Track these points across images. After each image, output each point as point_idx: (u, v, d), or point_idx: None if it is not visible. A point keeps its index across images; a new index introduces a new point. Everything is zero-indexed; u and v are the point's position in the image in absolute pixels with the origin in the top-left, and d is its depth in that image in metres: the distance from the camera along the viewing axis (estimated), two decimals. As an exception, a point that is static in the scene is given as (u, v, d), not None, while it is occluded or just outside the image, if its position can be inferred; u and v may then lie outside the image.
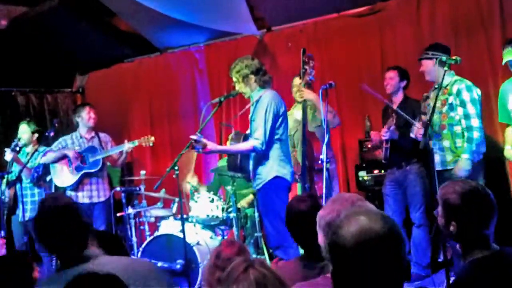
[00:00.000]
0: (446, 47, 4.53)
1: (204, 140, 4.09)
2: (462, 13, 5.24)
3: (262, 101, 4.14)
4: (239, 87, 4.31)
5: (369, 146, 5.20)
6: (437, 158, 4.38)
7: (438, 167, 4.36)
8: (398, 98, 4.88)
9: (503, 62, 4.24)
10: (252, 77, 4.23)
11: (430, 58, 4.43)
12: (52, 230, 2.10)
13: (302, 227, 2.43)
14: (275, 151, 4.16)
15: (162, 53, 7.33)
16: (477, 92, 4.32)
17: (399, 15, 5.66)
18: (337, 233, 1.42)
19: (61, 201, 2.18)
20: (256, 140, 4.09)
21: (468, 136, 4.23)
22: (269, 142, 4.13)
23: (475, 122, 4.23)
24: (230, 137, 5.68)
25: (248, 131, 4.40)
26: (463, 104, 4.26)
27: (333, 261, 1.42)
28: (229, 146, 4.29)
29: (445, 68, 4.08)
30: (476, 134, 4.22)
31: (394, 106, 4.80)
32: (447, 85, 4.35)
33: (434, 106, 3.98)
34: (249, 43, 6.50)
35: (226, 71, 6.59)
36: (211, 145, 4.18)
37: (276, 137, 4.17)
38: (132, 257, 2.21)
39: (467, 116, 4.25)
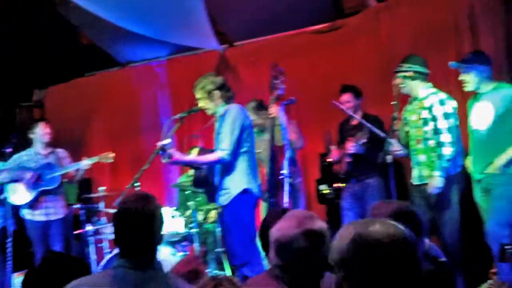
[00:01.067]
0: (421, 59, 4.54)
1: (171, 150, 4.06)
2: (420, 31, 5.38)
3: (229, 114, 4.14)
4: (204, 103, 4.30)
5: (328, 160, 5.24)
6: (414, 172, 4.46)
7: (415, 182, 4.45)
8: (358, 116, 4.96)
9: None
10: (217, 92, 4.23)
11: (406, 71, 4.45)
12: (136, 230, 2.14)
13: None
14: (242, 164, 4.15)
15: (123, 67, 7.26)
16: (451, 105, 4.30)
17: (359, 32, 5.79)
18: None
19: (150, 201, 2.22)
20: (222, 151, 4.06)
21: (438, 153, 4.23)
22: (236, 155, 4.11)
23: (446, 138, 4.19)
24: (192, 151, 5.67)
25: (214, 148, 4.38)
26: (434, 119, 4.29)
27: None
28: (196, 157, 4.22)
29: (420, 82, 4.15)
30: (447, 150, 4.19)
31: (354, 123, 4.89)
32: (421, 99, 4.39)
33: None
34: (211, 58, 6.51)
35: (188, 86, 6.57)
36: (178, 155, 4.14)
37: (243, 150, 4.16)
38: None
39: (437, 131, 4.25)
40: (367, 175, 4.84)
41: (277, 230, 1.99)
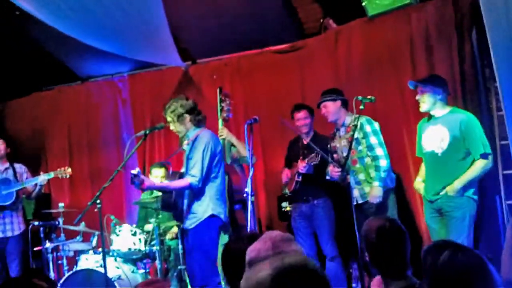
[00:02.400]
0: (341, 91, 4.94)
1: (142, 176, 4.09)
2: (375, 52, 5.56)
3: (200, 140, 4.18)
4: (174, 126, 4.34)
5: (282, 182, 5.31)
6: (356, 192, 4.61)
7: (359, 200, 4.61)
8: (309, 134, 5.09)
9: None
10: (187, 116, 4.27)
11: (334, 100, 4.77)
12: None
13: (236, 267, 2.43)
14: (212, 190, 4.20)
15: (83, 81, 7.18)
16: (377, 124, 4.69)
17: (318, 53, 5.94)
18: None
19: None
20: (193, 177, 4.11)
21: (375, 165, 4.54)
22: (205, 180, 4.16)
23: (380, 151, 4.57)
24: (152, 170, 5.67)
25: (183, 169, 4.41)
26: (365, 135, 4.57)
27: None
28: (166, 182, 4.26)
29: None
30: (383, 162, 4.54)
31: (305, 142, 5.01)
32: (349, 124, 4.66)
33: (351, 144, 4.21)
34: (174, 74, 6.54)
35: (151, 101, 6.63)
36: (149, 182, 4.20)
37: (213, 175, 4.22)
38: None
39: (370, 147, 4.60)
40: (315, 196, 4.96)
41: (251, 251, 1.98)
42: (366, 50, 5.63)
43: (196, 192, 4.18)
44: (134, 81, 6.89)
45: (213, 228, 4.16)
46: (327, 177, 4.74)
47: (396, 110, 5.32)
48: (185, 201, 4.28)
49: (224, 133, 4.63)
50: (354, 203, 4.50)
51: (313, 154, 4.68)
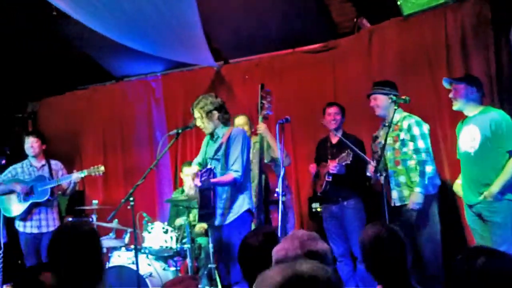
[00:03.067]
0: (395, 84, 4.73)
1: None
2: (410, 53, 5.49)
3: (237, 137, 4.25)
4: (202, 122, 4.36)
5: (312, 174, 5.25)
6: (394, 194, 4.53)
7: (396, 203, 4.53)
8: (339, 133, 5.03)
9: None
10: (216, 113, 4.31)
11: (386, 94, 4.59)
12: (67, 259, 2.02)
13: (252, 262, 2.44)
14: (247, 185, 4.29)
15: (117, 81, 7.30)
16: (427, 127, 4.52)
17: (351, 53, 5.89)
18: None
19: (80, 229, 2.07)
20: (236, 172, 4.17)
21: (420, 170, 4.38)
22: (244, 177, 4.23)
23: (427, 156, 4.41)
24: (183, 168, 5.72)
25: (210, 166, 4.44)
26: (413, 138, 4.44)
27: None
28: (217, 179, 4.22)
29: (395, 107, 4.26)
30: (428, 168, 4.38)
31: (334, 142, 4.96)
32: (397, 122, 4.53)
33: (385, 143, 4.13)
34: (206, 74, 6.59)
35: (183, 101, 6.69)
36: (197, 181, 4.21)
37: (248, 172, 4.30)
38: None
39: (417, 151, 4.43)
40: (345, 197, 4.89)
41: (279, 251, 2.01)
42: (400, 50, 5.56)
43: (235, 188, 4.23)
44: (167, 81, 6.97)
45: (248, 222, 4.24)
46: (367, 173, 4.65)
47: (431, 111, 5.23)
48: (218, 199, 4.29)
49: (262, 128, 4.62)
50: (392, 205, 4.48)
51: (343, 154, 4.61)
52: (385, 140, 4.20)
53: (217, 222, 4.30)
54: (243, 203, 4.23)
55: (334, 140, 5.05)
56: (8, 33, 6.28)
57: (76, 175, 5.47)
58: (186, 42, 5.96)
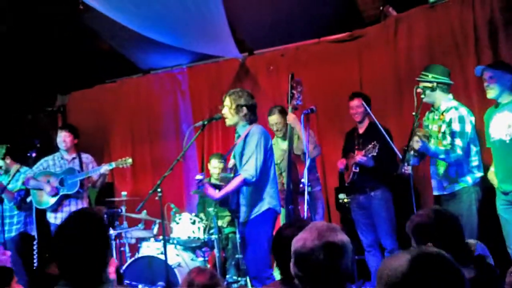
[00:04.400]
0: (446, 69, 4.55)
1: (207, 185, 4.27)
2: (438, 42, 5.40)
3: (252, 135, 4.21)
4: (228, 112, 4.33)
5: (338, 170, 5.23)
6: (434, 183, 4.50)
7: (435, 192, 4.49)
8: (364, 124, 4.99)
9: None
10: (245, 110, 4.28)
11: (429, 81, 4.44)
12: (71, 246, 1.97)
13: (285, 253, 2.47)
14: (267, 183, 4.24)
15: (144, 74, 7.37)
16: (470, 121, 4.35)
17: (377, 41, 5.82)
18: None
19: (88, 216, 2.06)
20: (245, 172, 4.14)
21: (450, 156, 4.27)
22: (261, 175, 4.18)
23: (459, 154, 4.28)
24: (211, 160, 5.76)
25: (230, 164, 4.46)
26: (452, 135, 4.31)
27: None
28: (225, 189, 4.26)
29: (422, 96, 4.17)
30: (456, 154, 4.27)
31: (361, 132, 4.93)
32: (443, 112, 4.41)
33: (412, 133, 4.08)
34: (231, 66, 6.60)
35: (208, 93, 6.73)
36: (211, 192, 4.29)
37: (267, 169, 4.24)
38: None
39: (453, 147, 4.30)
40: (372, 188, 4.86)
41: (298, 241, 2.00)
42: (428, 38, 5.47)
43: (252, 187, 4.22)
44: (192, 73, 7.01)
45: (268, 221, 4.20)
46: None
47: (460, 99, 5.13)
48: (241, 196, 4.32)
49: (290, 119, 4.61)
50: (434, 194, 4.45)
51: (370, 146, 4.57)
52: (413, 128, 4.13)
53: (241, 219, 4.34)
54: (263, 202, 4.20)
55: (361, 130, 5.02)
56: (37, 27, 6.40)
57: (105, 167, 5.54)
58: (211, 34, 5.98)
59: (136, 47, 6.77)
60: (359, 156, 4.71)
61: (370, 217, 4.91)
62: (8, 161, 5.83)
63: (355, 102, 4.97)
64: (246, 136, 4.24)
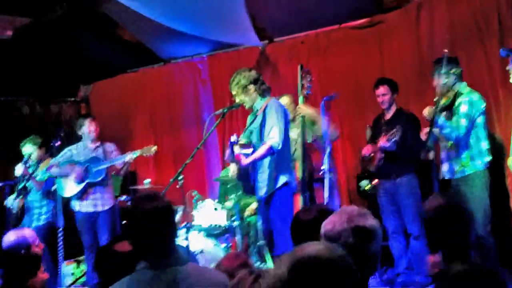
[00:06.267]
0: (456, 58, 4.57)
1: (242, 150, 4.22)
2: (460, 25, 5.31)
3: (271, 107, 4.24)
4: (240, 98, 4.38)
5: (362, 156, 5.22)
6: (445, 167, 4.49)
7: (446, 176, 4.49)
8: (391, 110, 4.96)
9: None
10: (251, 87, 4.32)
11: (449, 70, 4.40)
12: (148, 231, 2.10)
13: (303, 237, 2.48)
14: (284, 158, 4.27)
15: (165, 63, 7.42)
16: (480, 106, 4.34)
17: (398, 27, 5.76)
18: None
19: (156, 202, 2.15)
20: (272, 139, 4.13)
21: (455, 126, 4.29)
22: (282, 147, 4.18)
23: (461, 130, 4.30)
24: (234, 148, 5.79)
25: (243, 140, 4.49)
26: (459, 115, 4.31)
27: None
28: (253, 156, 4.25)
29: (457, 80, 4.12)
30: (461, 130, 4.27)
31: (387, 118, 4.91)
32: (456, 96, 4.38)
33: (433, 119, 4.05)
34: (251, 53, 6.60)
35: (229, 81, 6.72)
36: (242, 158, 4.25)
37: (286, 142, 4.26)
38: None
39: (457, 124, 4.31)
40: (398, 174, 4.83)
41: (327, 224, 2.01)
42: (450, 23, 5.39)
43: (270, 161, 4.23)
44: (213, 62, 7.03)
45: (287, 196, 4.22)
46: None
47: (483, 85, 5.06)
48: (257, 172, 4.33)
49: (301, 110, 4.63)
50: (441, 178, 4.44)
51: (393, 130, 4.57)
52: (433, 117, 4.11)
53: (258, 196, 4.36)
54: (279, 177, 4.20)
55: (388, 116, 5.00)
56: (59, 18, 6.48)
57: (130, 156, 5.57)
58: (230, 22, 5.99)
59: (157, 37, 6.81)
60: (382, 141, 4.71)
61: (396, 203, 4.89)
62: (41, 152, 5.93)
63: (381, 90, 4.94)
64: (265, 108, 4.26)
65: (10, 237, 3.47)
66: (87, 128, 5.75)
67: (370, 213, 2.06)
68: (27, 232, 3.59)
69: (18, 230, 3.60)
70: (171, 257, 2.12)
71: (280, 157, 4.23)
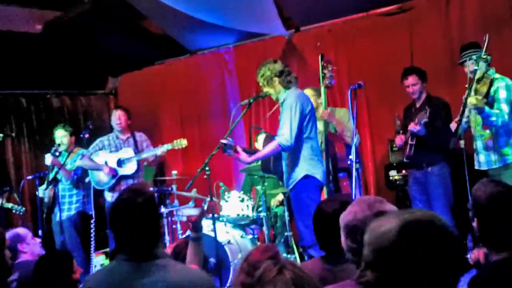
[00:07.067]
0: (475, 44, 4.47)
1: (238, 147, 4.20)
2: (491, 10, 5.18)
3: (287, 100, 4.19)
4: (266, 90, 4.38)
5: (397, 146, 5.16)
6: (482, 157, 4.38)
7: (483, 167, 4.38)
8: (421, 99, 4.86)
9: None
10: (276, 79, 4.28)
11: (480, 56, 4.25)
12: (126, 223, 2.12)
13: (325, 229, 2.46)
14: (305, 150, 4.18)
15: (192, 54, 7.44)
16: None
17: (428, 13, 5.63)
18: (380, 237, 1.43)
19: (142, 194, 2.16)
20: (280, 136, 4.11)
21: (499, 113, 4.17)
22: (298, 141, 4.14)
23: (506, 116, 4.19)
24: (258, 137, 5.78)
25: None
26: (497, 101, 4.20)
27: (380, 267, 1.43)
28: (257, 154, 4.28)
29: (476, 67, 4.02)
30: (505, 116, 4.16)
31: (417, 106, 4.82)
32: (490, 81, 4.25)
33: (464, 106, 3.94)
34: (277, 43, 6.55)
35: (255, 71, 6.69)
36: (243, 156, 4.23)
37: (305, 135, 4.19)
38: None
39: (500, 111, 4.19)
40: (429, 163, 4.73)
41: (348, 214, 2.00)
42: (481, 10, 5.25)
43: (290, 153, 4.19)
44: (239, 52, 7.01)
45: (310, 188, 4.14)
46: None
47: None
48: (284, 163, 4.30)
49: (325, 115, 4.57)
50: (476, 168, 4.33)
51: (422, 113, 4.49)
52: (465, 103, 4.01)
53: (285, 186, 4.34)
54: (300, 170, 4.16)
55: (418, 104, 4.90)
56: (87, 11, 6.54)
57: (162, 149, 5.58)
58: (256, 12, 5.95)
59: (183, 28, 6.82)
60: (411, 126, 4.63)
61: (426, 193, 4.80)
62: (71, 140, 6.00)
63: (410, 80, 4.84)
64: (283, 101, 4.23)
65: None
66: (115, 119, 5.82)
67: (385, 200, 2.06)
68: (19, 229, 3.67)
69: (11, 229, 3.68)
70: (149, 251, 2.10)
71: (298, 149, 4.18)
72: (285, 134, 4.08)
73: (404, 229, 1.39)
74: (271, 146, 4.18)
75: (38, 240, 3.81)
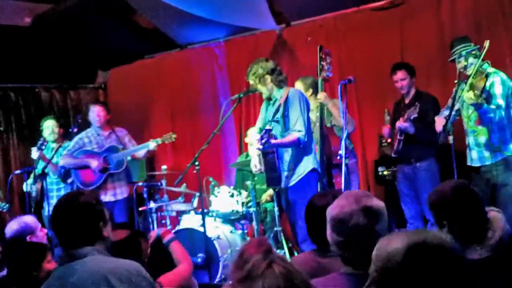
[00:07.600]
0: (465, 38, 4.47)
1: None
2: (483, 6, 5.17)
3: (294, 97, 4.20)
4: (257, 88, 4.37)
5: (388, 141, 5.16)
6: (474, 154, 4.37)
7: (476, 163, 4.36)
8: (411, 94, 4.86)
9: None
10: (268, 77, 4.28)
11: (472, 51, 4.31)
12: (61, 224, 2.24)
13: (317, 222, 2.45)
14: (310, 145, 4.26)
15: (182, 49, 7.39)
16: (510, 85, 4.24)
17: (420, 8, 5.62)
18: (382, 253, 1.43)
19: (81, 198, 2.24)
20: (299, 132, 4.12)
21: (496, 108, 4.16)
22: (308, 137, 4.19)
23: (502, 111, 4.18)
24: (248, 132, 5.76)
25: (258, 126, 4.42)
26: (495, 96, 4.18)
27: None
28: (281, 139, 4.20)
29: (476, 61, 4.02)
30: (502, 111, 4.16)
31: (407, 102, 4.81)
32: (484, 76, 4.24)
33: (454, 100, 3.93)
34: (268, 38, 6.52)
35: (246, 66, 6.58)
36: (273, 140, 4.11)
37: (310, 131, 4.26)
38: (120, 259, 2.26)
39: (496, 106, 4.18)
40: (418, 158, 4.73)
41: (335, 208, 2.01)
42: (474, 5, 5.24)
43: (298, 149, 4.20)
44: (230, 47, 6.97)
45: (314, 182, 4.21)
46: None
47: (508, 71, 4.92)
48: (283, 161, 4.28)
49: (322, 97, 4.56)
50: (469, 164, 4.34)
51: (411, 109, 4.49)
52: (454, 97, 4.00)
53: (283, 185, 4.30)
54: (307, 164, 4.20)
55: (407, 100, 4.90)
56: (77, 4, 6.48)
57: (153, 144, 5.52)
58: (247, 6, 5.91)
59: (173, 22, 6.77)
60: (399, 122, 4.62)
61: (415, 189, 4.80)
62: (60, 132, 5.93)
63: (399, 75, 4.84)
64: (287, 98, 4.22)
65: (13, 225, 3.46)
66: (93, 113, 5.63)
67: (372, 195, 2.06)
68: (29, 219, 3.59)
69: (19, 217, 3.61)
70: (78, 252, 2.16)
71: (307, 146, 4.22)
72: (303, 130, 4.12)
73: (411, 251, 1.37)
74: (290, 138, 4.14)
75: (45, 230, 3.74)
